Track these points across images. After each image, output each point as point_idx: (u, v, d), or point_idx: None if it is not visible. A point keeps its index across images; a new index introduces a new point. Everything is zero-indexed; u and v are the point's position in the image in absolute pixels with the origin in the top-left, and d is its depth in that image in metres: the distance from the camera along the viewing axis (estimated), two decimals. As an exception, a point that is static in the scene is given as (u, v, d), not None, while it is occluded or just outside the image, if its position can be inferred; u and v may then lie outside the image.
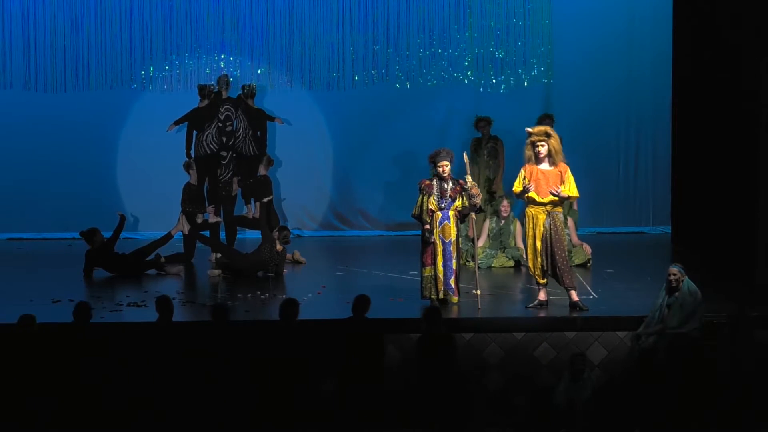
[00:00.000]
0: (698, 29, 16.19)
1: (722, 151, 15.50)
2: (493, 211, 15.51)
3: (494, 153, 16.07)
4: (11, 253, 16.82)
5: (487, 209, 15.45)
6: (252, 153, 16.06)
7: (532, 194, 12.39)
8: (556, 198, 12.39)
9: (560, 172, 12.41)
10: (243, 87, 16.27)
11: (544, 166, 12.44)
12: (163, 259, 15.02)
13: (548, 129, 12.52)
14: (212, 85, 16.12)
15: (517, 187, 12.54)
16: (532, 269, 12.59)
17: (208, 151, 15.78)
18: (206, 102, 15.91)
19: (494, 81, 17.72)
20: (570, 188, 12.43)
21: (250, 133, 16.03)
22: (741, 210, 14.84)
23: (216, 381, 11.03)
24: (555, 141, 12.42)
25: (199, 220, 15.64)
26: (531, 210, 12.47)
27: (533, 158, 12.46)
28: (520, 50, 17.70)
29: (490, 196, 15.85)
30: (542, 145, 12.41)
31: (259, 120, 16.27)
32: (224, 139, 15.92)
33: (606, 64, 17.78)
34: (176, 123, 16.03)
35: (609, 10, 17.76)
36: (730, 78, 15.26)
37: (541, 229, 12.41)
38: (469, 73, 17.73)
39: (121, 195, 17.63)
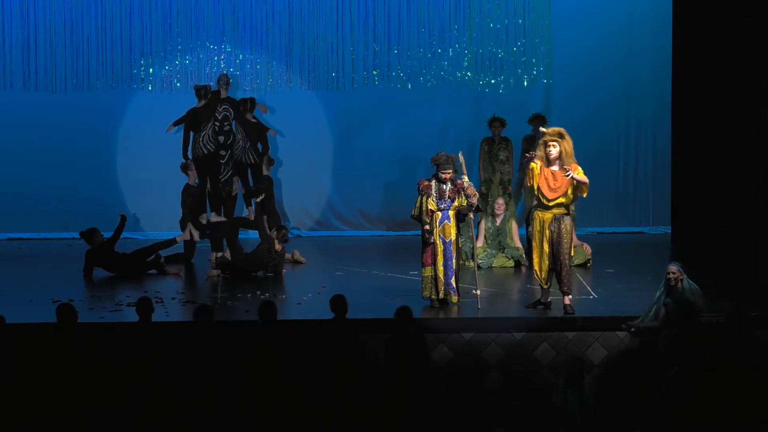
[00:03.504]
0: (698, 29, 16.19)
1: (722, 150, 15.51)
2: (491, 211, 15.49)
3: (506, 154, 16.02)
4: (11, 253, 16.81)
5: (481, 211, 15.44)
6: (252, 161, 16.03)
7: (539, 195, 12.36)
8: (563, 200, 12.34)
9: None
10: (242, 101, 16.15)
11: (555, 168, 12.38)
12: (163, 260, 15.02)
13: (562, 130, 12.43)
14: (209, 86, 16.09)
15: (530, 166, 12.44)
16: (539, 272, 12.51)
17: (205, 152, 15.75)
18: (203, 102, 15.89)
19: (494, 81, 17.72)
20: (580, 174, 12.36)
21: (248, 144, 16.00)
22: (741, 210, 14.85)
23: (214, 382, 11.06)
24: (567, 144, 12.34)
25: (204, 221, 15.65)
26: (538, 213, 12.43)
27: (544, 159, 12.41)
28: (520, 50, 17.69)
29: (508, 197, 15.82)
30: (554, 146, 12.34)
31: (259, 133, 16.20)
32: (222, 138, 15.91)
33: (606, 64, 17.77)
34: (175, 124, 16.02)
35: (609, 10, 17.75)
36: (730, 77, 15.26)
37: (548, 232, 12.37)
38: (468, 73, 17.73)
39: (122, 195, 17.61)
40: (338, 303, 11.52)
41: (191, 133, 15.85)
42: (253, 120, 16.22)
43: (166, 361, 11.07)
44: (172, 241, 15.39)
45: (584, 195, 12.54)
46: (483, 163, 15.94)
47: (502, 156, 15.98)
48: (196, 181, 15.88)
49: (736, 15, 15.06)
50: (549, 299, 12.61)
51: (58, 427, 10.97)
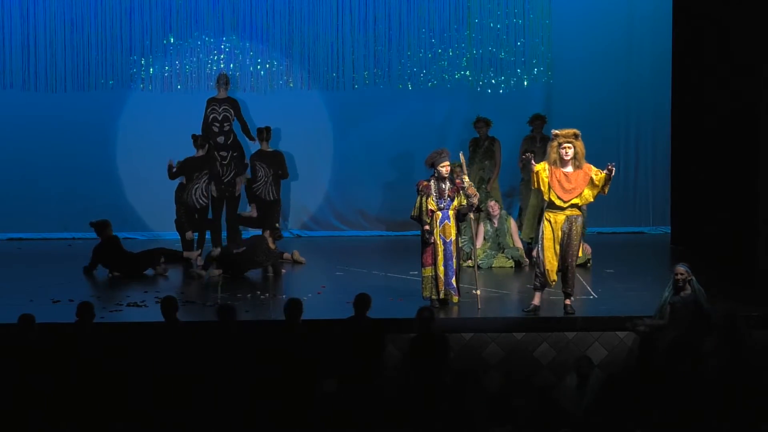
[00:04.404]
0: (698, 29, 16.20)
1: (722, 150, 15.51)
2: (486, 214, 15.48)
3: (490, 154, 16.07)
4: (11, 253, 16.81)
5: (482, 212, 15.47)
6: (272, 198, 15.87)
7: (552, 197, 12.29)
8: (578, 201, 12.29)
9: (586, 172, 12.31)
10: (258, 130, 15.92)
11: (568, 169, 12.31)
12: (163, 259, 15.01)
13: (576, 131, 12.34)
14: (206, 136, 15.84)
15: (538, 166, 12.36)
16: (551, 274, 12.40)
17: (197, 206, 15.55)
18: (200, 153, 15.68)
19: (494, 81, 17.72)
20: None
21: (270, 178, 15.84)
22: (741, 210, 14.85)
23: (217, 381, 11.06)
24: (581, 144, 12.31)
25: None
26: (550, 214, 12.35)
27: (558, 161, 12.34)
28: (520, 50, 17.69)
29: (486, 196, 15.83)
30: (569, 147, 12.27)
31: (278, 162, 15.99)
32: (222, 138, 15.89)
33: (606, 64, 17.78)
34: (173, 176, 15.70)
35: (609, 10, 17.75)
36: (730, 77, 15.27)
37: (559, 234, 12.32)
38: (467, 73, 17.72)
39: (122, 194, 17.60)
40: (361, 301, 11.50)
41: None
42: (269, 150, 16.05)
43: (189, 361, 11.09)
44: (178, 254, 15.34)
45: (605, 193, 12.49)
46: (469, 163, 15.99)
47: (485, 156, 15.98)
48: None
49: (736, 15, 15.07)
50: (540, 303, 12.55)
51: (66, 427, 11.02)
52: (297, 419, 11.00)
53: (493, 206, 15.47)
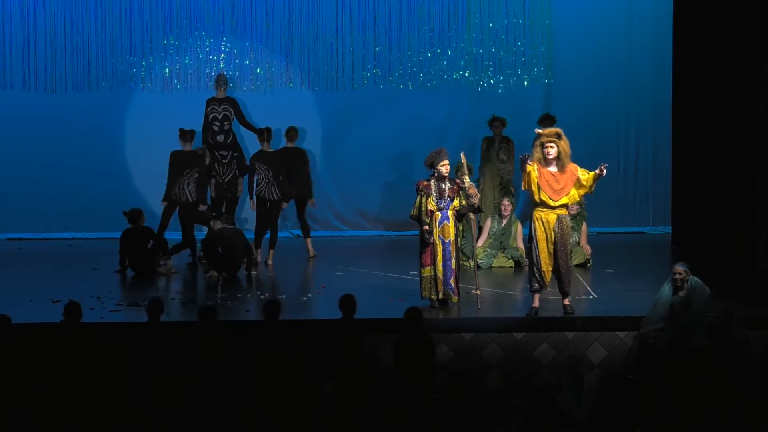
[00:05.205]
0: (698, 29, 16.20)
1: (722, 150, 15.51)
2: (498, 211, 15.49)
3: (507, 153, 16.04)
4: (11, 253, 16.81)
5: (482, 212, 15.46)
6: (275, 198, 15.75)
7: (542, 197, 12.28)
8: (567, 200, 12.29)
9: (572, 172, 12.31)
10: (259, 131, 15.78)
11: (553, 168, 12.32)
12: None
13: (559, 131, 12.36)
14: (194, 131, 15.79)
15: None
16: (547, 274, 12.36)
17: (190, 199, 15.47)
18: (188, 147, 15.51)
19: (494, 81, 17.72)
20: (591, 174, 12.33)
21: (272, 178, 15.72)
22: (741, 210, 14.85)
23: (214, 381, 11.06)
24: (565, 143, 12.28)
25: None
26: (541, 213, 12.33)
27: (542, 160, 12.35)
28: (520, 50, 17.70)
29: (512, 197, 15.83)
30: (551, 146, 12.27)
31: (278, 163, 15.91)
32: (222, 137, 15.89)
33: (606, 64, 17.79)
34: (169, 187, 15.51)
35: (609, 10, 17.77)
36: (730, 78, 15.27)
37: (552, 234, 12.31)
38: (467, 73, 17.73)
39: (122, 194, 17.54)
40: (347, 303, 11.48)
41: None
42: (270, 150, 15.88)
43: (174, 362, 11.09)
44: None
45: (591, 192, 12.48)
46: (481, 162, 15.98)
47: (503, 156, 15.99)
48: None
49: (736, 15, 15.07)
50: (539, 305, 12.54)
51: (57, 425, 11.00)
52: (294, 419, 11.00)
53: (506, 206, 15.45)
